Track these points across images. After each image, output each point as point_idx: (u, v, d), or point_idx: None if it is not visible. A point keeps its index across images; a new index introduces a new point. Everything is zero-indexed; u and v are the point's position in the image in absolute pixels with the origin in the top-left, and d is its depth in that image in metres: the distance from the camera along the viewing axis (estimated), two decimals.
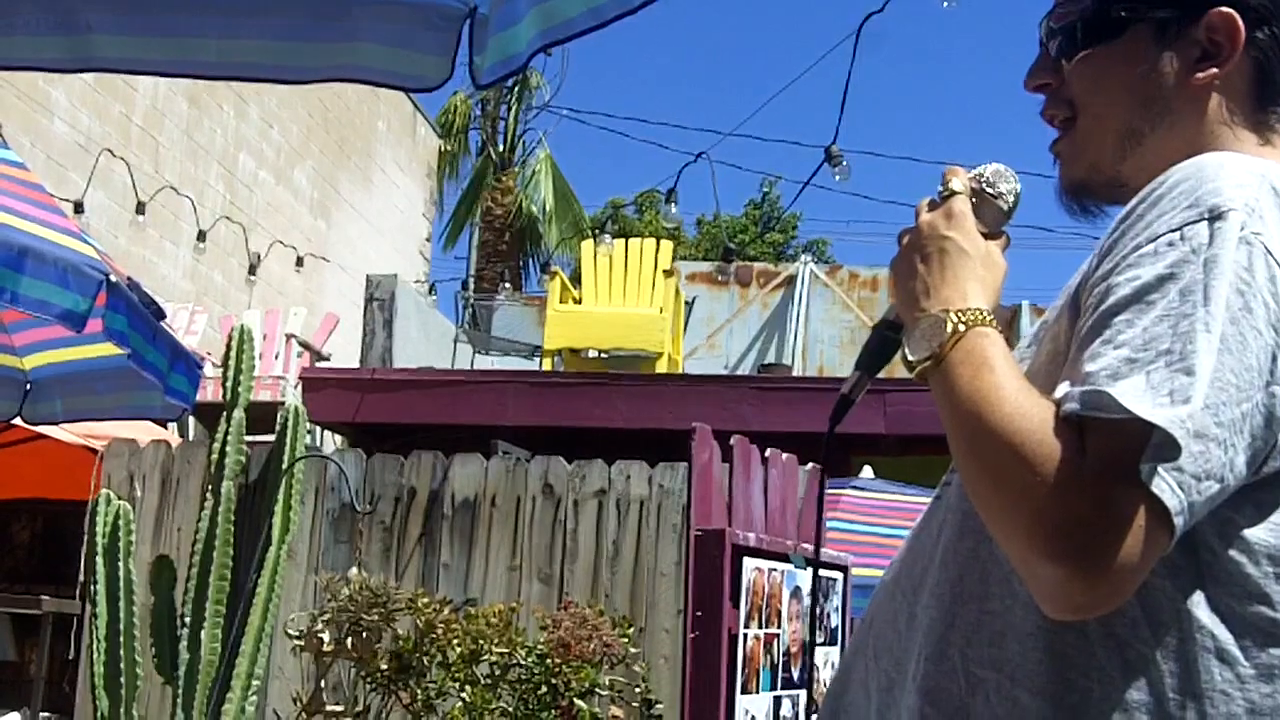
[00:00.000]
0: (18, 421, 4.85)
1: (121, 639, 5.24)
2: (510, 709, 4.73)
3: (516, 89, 21.25)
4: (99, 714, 5.26)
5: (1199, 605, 1.12)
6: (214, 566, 5.30)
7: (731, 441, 5.07)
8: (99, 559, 5.29)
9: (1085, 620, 1.12)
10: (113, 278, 3.45)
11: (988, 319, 1.19)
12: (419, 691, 4.82)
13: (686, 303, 10.37)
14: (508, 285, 18.65)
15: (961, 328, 1.18)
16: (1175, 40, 1.29)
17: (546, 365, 9.36)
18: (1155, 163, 1.25)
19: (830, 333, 12.93)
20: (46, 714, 6.81)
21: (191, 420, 8.47)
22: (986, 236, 1.28)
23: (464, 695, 4.74)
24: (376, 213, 16.27)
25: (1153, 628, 1.12)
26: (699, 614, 4.46)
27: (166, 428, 7.63)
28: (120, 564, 5.26)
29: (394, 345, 9.55)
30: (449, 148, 20.72)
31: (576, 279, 10.69)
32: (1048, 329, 1.27)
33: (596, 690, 4.76)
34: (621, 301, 9.51)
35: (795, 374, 11.67)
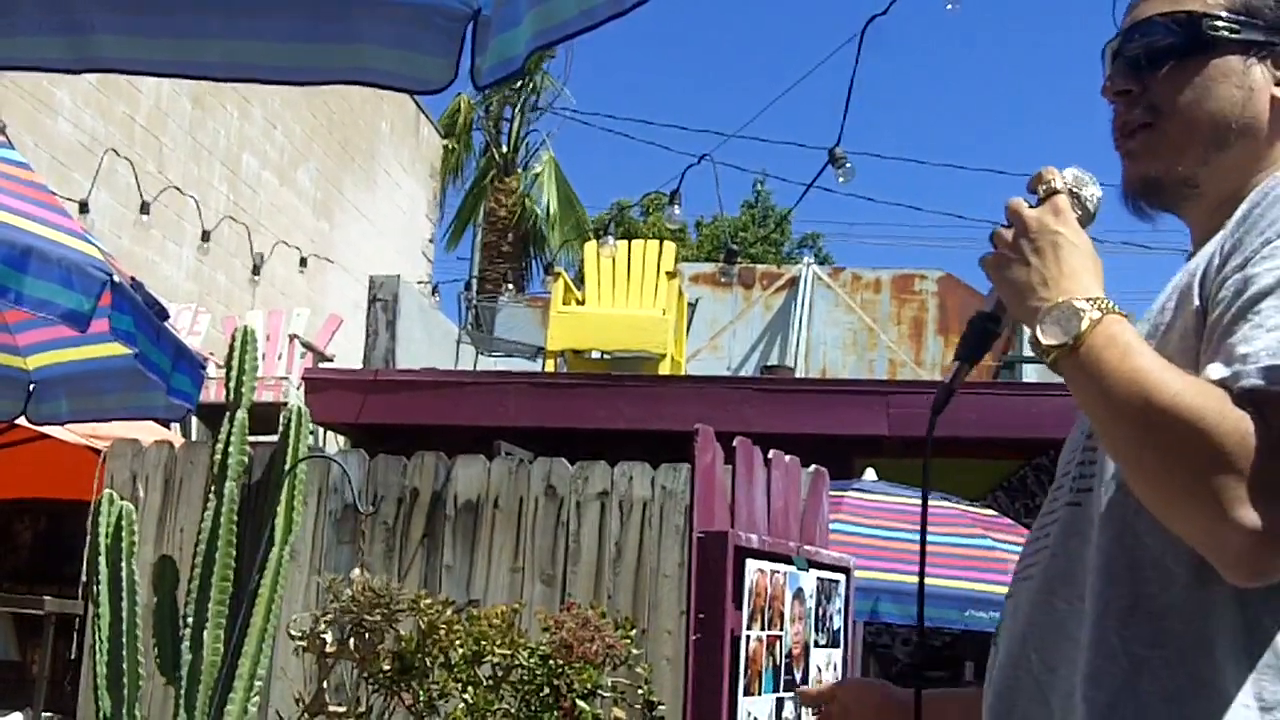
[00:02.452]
0: (21, 421, 4.85)
1: (124, 639, 5.25)
2: (512, 710, 4.73)
3: (521, 90, 21.26)
4: (101, 714, 5.26)
5: None
6: (216, 567, 5.30)
7: (734, 443, 5.07)
8: (101, 559, 5.29)
9: (1246, 599, 1.18)
10: (116, 278, 3.45)
11: (1116, 307, 1.25)
12: (421, 692, 4.82)
13: (689, 304, 10.37)
14: (511, 286, 18.66)
15: (1096, 314, 1.23)
16: (1261, 61, 1.39)
17: (549, 366, 9.36)
18: (1232, 171, 1.37)
19: (833, 334, 12.93)
20: (49, 714, 6.81)
21: (194, 421, 8.48)
22: None
23: (466, 696, 4.74)
24: (380, 214, 16.28)
25: None
26: (701, 616, 4.46)
27: (169, 428, 7.64)
28: (123, 564, 5.27)
29: (397, 346, 9.55)
30: (453, 148, 20.73)
31: (580, 280, 10.69)
32: (1161, 331, 1.31)
33: (599, 692, 4.76)
34: (625, 303, 9.51)
35: (798, 376, 11.66)
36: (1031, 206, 1.35)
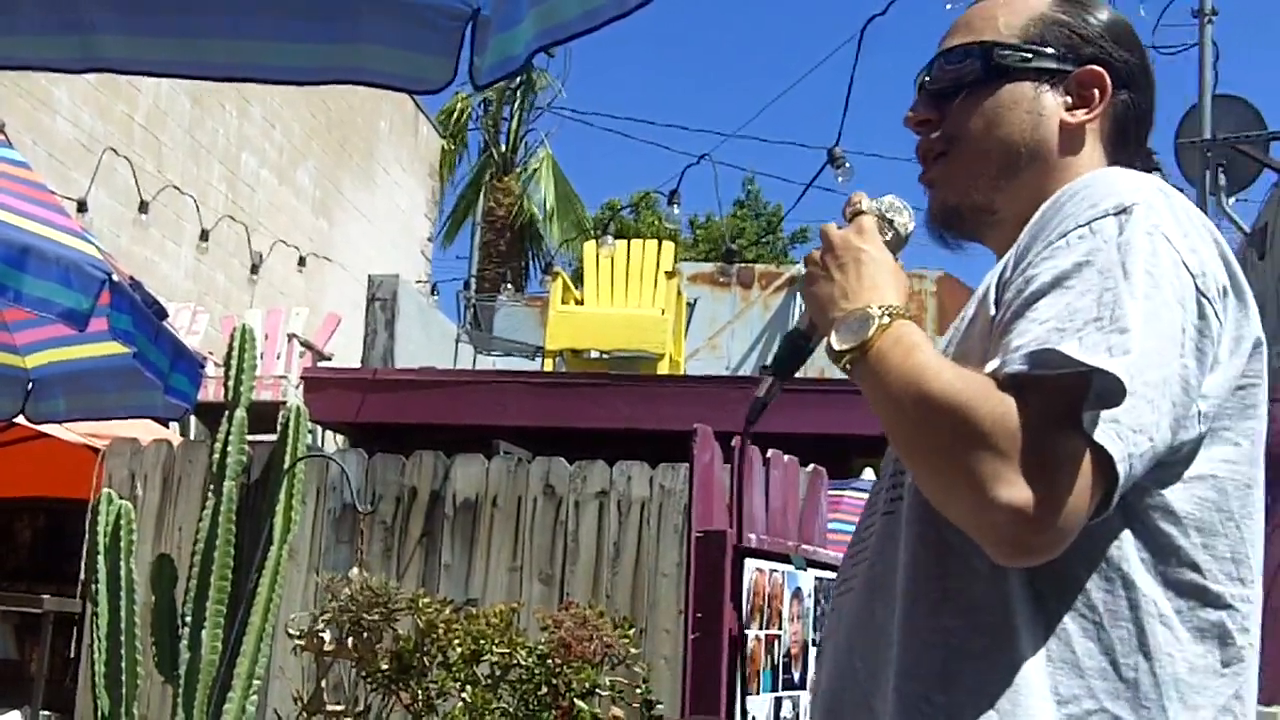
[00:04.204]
0: (20, 420, 4.85)
1: (122, 638, 5.25)
2: (511, 709, 4.73)
3: (520, 89, 21.25)
4: (99, 713, 5.26)
5: (1140, 574, 1.22)
6: (215, 566, 5.30)
7: (733, 443, 5.06)
8: (100, 558, 5.29)
9: (1042, 592, 1.22)
10: (115, 277, 3.45)
11: (908, 314, 1.30)
12: (420, 691, 4.82)
13: (688, 304, 10.37)
14: (509, 286, 18.66)
15: (886, 319, 1.28)
16: (1052, 88, 1.45)
17: (548, 366, 9.36)
18: (1027, 195, 1.40)
19: None
20: (47, 713, 6.81)
21: (193, 420, 8.47)
22: None
23: (465, 695, 4.74)
24: (378, 213, 16.28)
25: (1103, 596, 1.22)
26: (700, 615, 4.46)
27: (168, 427, 7.63)
28: (121, 563, 5.27)
29: (395, 345, 9.55)
30: (451, 148, 20.72)
31: (578, 279, 10.69)
32: (960, 333, 1.37)
33: (597, 691, 4.76)
34: (624, 302, 9.50)
35: (796, 376, 11.66)
36: (840, 228, 1.41)
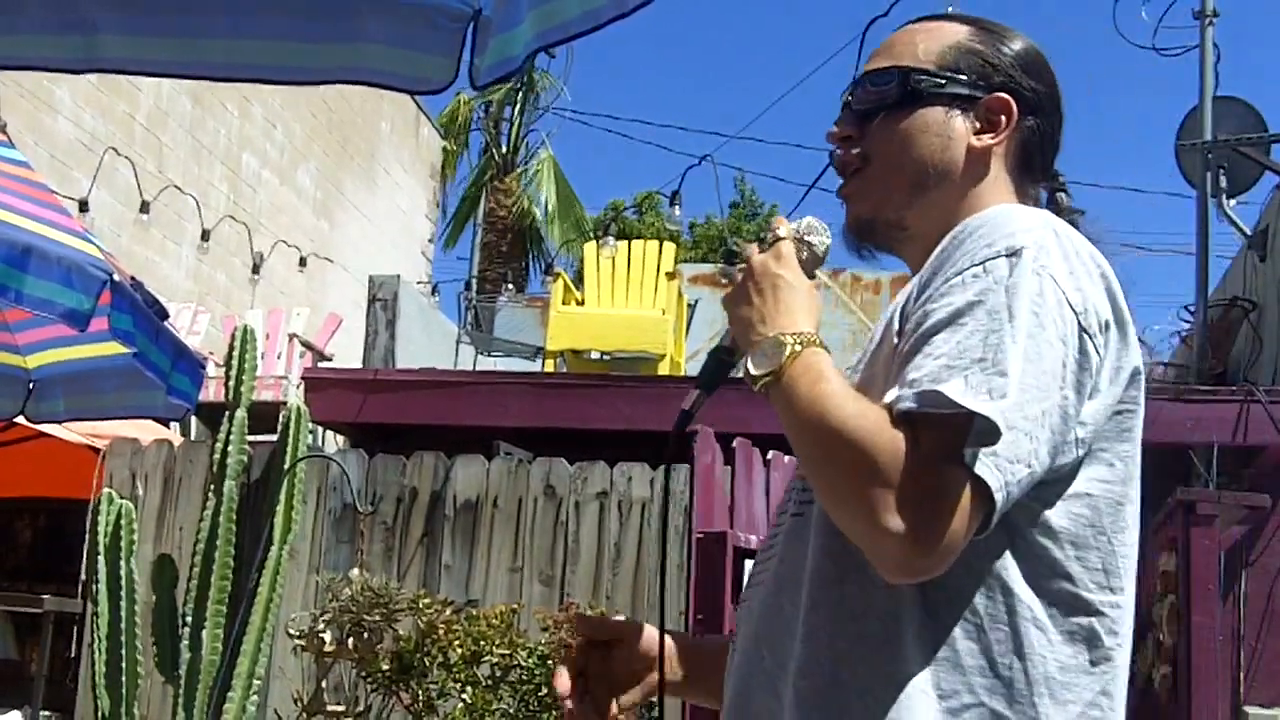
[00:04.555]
0: (21, 420, 4.85)
1: (123, 638, 5.25)
2: (511, 710, 4.73)
3: (521, 90, 21.25)
4: (100, 713, 5.27)
5: (1019, 583, 1.34)
6: (215, 566, 5.30)
7: (734, 444, 5.06)
8: (101, 558, 5.29)
9: (932, 600, 1.33)
10: (116, 277, 3.45)
11: (819, 340, 1.40)
12: (420, 692, 4.83)
13: (689, 305, 10.36)
14: (510, 286, 18.65)
15: (798, 347, 1.38)
16: (963, 113, 1.54)
17: (549, 367, 9.35)
18: (936, 212, 1.51)
19: (833, 335, 12.90)
20: (47, 712, 6.81)
21: (194, 420, 8.47)
22: None
23: (465, 696, 4.74)
24: (379, 213, 16.28)
25: (983, 603, 1.34)
26: (700, 616, 4.46)
27: (169, 427, 7.63)
28: (122, 563, 5.27)
29: (396, 346, 9.54)
30: (452, 148, 20.72)
31: (579, 280, 10.69)
32: (870, 355, 1.47)
33: None
34: (624, 303, 9.50)
35: None
36: (761, 252, 1.49)
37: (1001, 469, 1.26)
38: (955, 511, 1.25)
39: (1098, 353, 1.35)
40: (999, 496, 1.26)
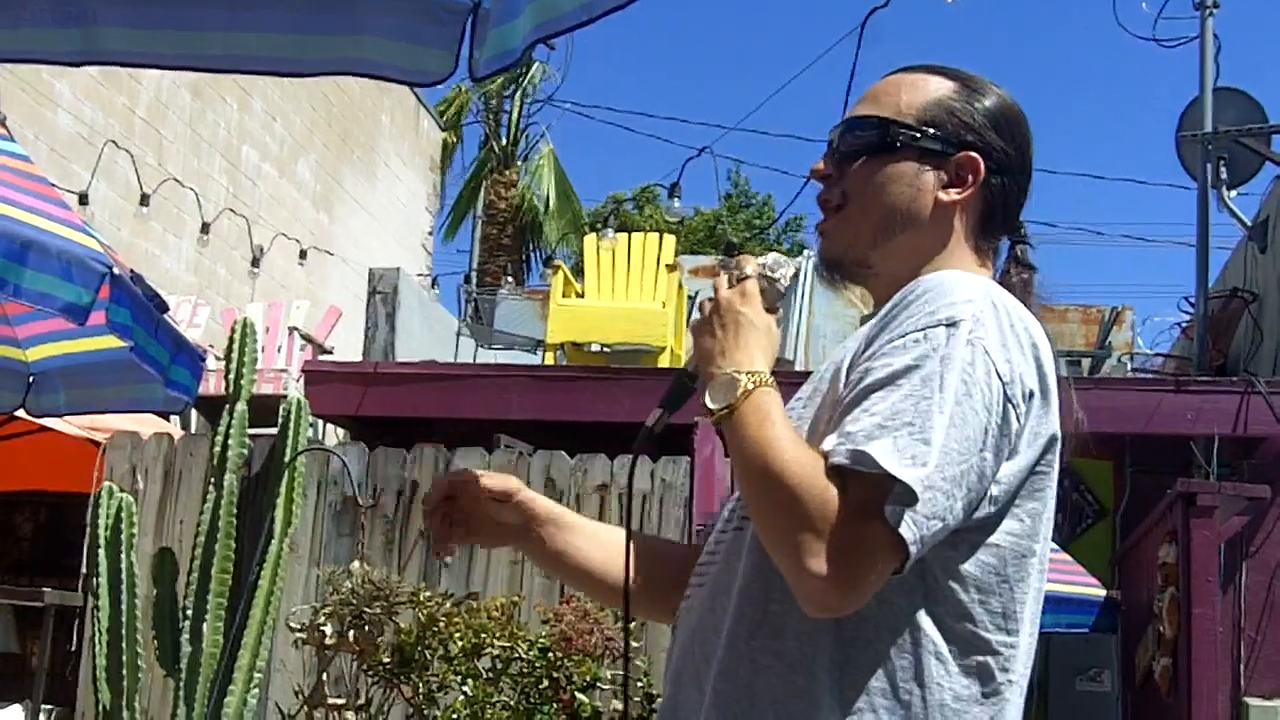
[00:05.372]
0: (21, 414, 4.85)
1: (124, 631, 5.25)
2: (512, 702, 4.74)
3: (520, 82, 21.23)
4: (100, 706, 5.27)
5: (925, 619, 1.48)
6: (216, 559, 5.30)
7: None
8: (101, 551, 5.29)
9: (846, 626, 1.45)
10: (115, 270, 3.45)
11: (770, 381, 1.50)
12: (421, 685, 4.83)
13: (689, 297, 10.36)
14: (510, 279, 18.66)
15: (751, 386, 1.49)
16: (934, 167, 1.64)
17: (549, 359, 9.36)
18: (898, 257, 1.63)
19: (833, 328, 12.91)
20: (48, 706, 6.82)
21: (194, 413, 8.47)
22: (767, 311, 1.60)
23: (465, 689, 4.75)
24: (379, 206, 16.27)
25: (892, 634, 1.47)
26: None
27: (169, 420, 7.64)
28: (122, 556, 5.27)
29: (396, 339, 9.54)
30: (452, 141, 20.70)
31: (579, 273, 10.68)
32: (818, 392, 1.59)
33: (598, 684, 4.77)
34: (624, 295, 9.50)
35: (798, 368, 11.66)
36: (729, 286, 1.60)
37: (918, 524, 1.38)
38: (873, 562, 1.38)
39: (1018, 420, 1.47)
40: (913, 549, 1.38)
